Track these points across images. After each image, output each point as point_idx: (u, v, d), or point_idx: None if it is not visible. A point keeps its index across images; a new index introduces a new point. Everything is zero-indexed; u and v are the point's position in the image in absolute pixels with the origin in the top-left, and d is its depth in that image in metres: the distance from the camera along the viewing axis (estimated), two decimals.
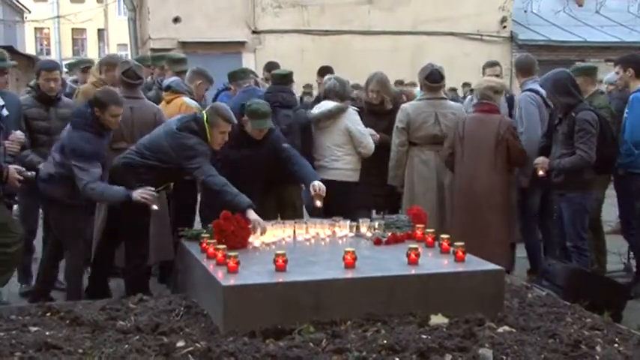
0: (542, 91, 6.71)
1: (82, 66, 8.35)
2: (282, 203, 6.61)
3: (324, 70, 8.26)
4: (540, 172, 6.35)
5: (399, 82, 16.01)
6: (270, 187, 6.41)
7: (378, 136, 6.84)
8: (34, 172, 5.58)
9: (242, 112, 5.95)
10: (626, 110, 6.59)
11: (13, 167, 5.39)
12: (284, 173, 6.21)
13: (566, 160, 6.10)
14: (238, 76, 7.71)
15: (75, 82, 8.42)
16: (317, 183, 5.86)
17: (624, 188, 6.69)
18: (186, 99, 6.89)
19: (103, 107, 5.46)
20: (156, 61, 8.33)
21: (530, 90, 6.93)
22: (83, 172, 5.33)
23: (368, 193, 6.90)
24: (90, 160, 5.38)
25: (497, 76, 7.93)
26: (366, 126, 6.77)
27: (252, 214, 5.27)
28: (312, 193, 5.82)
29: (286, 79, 6.98)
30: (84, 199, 5.52)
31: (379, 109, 7.01)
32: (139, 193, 5.30)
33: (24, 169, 5.49)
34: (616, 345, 4.06)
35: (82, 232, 5.76)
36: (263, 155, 6.03)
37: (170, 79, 7.16)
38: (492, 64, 8.33)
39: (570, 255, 6.18)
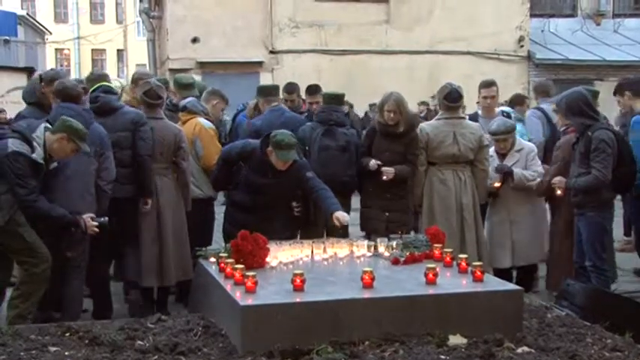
0: (547, 109, 7.67)
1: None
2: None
3: (313, 89, 8.12)
4: (558, 192, 6.34)
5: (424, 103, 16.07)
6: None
7: (392, 171, 6.51)
8: (106, 218, 5.70)
9: (267, 143, 5.93)
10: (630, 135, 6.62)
11: (87, 216, 5.56)
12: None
13: (582, 180, 6.08)
14: (269, 92, 7.52)
15: None
16: (340, 214, 5.77)
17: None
18: (202, 120, 6.92)
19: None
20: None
21: (537, 108, 7.71)
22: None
23: (378, 219, 6.68)
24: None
25: (492, 97, 7.77)
26: (379, 149, 6.66)
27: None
28: (336, 223, 5.80)
29: (338, 99, 7.04)
30: None
31: (393, 130, 6.64)
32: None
33: (94, 215, 5.63)
34: None
35: None
36: (285, 185, 6.05)
37: (186, 100, 7.16)
38: (489, 84, 7.92)
39: (589, 274, 6.15)
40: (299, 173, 6.03)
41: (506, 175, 6.88)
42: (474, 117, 7.88)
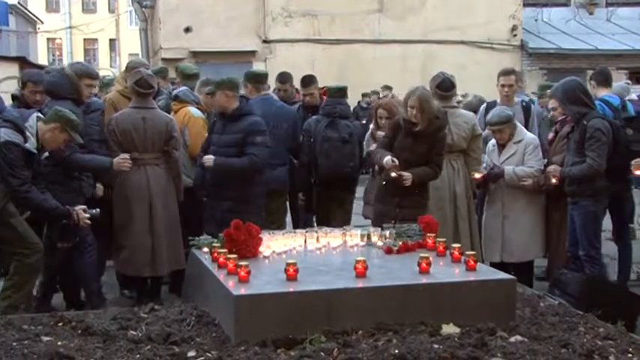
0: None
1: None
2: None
3: (307, 81, 7.93)
4: (553, 180, 6.33)
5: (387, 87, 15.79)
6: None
7: (410, 177, 5.98)
8: (98, 210, 5.72)
9: None
10: None
11: (79, 208, 5.58)
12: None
13: (576, 168, 6.09)
14: (259, 79, 7.33)
15: None
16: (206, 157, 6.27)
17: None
18: (192, 109, 6.92)
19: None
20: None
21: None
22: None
23: (389, 215, 6.17)
24: None
25: (510, 86, 7.59)
26: (400, 147, 6.11)
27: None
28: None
29: (341, 92, 7.22)
30: None
31: (413, 128, 6.07)
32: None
33: (86, 207, 5.65)
34: (630, 355, 4.03)
35: None
36: (234, 137, 6.23)
37: (179, 89, 7.21)
38: (508, 73, 7.76)
39: (583, 264, 6.16)
40: (250, 128, 6.26)
41: (498, 177, 6.70)
42: (492, 105, 7.64)
